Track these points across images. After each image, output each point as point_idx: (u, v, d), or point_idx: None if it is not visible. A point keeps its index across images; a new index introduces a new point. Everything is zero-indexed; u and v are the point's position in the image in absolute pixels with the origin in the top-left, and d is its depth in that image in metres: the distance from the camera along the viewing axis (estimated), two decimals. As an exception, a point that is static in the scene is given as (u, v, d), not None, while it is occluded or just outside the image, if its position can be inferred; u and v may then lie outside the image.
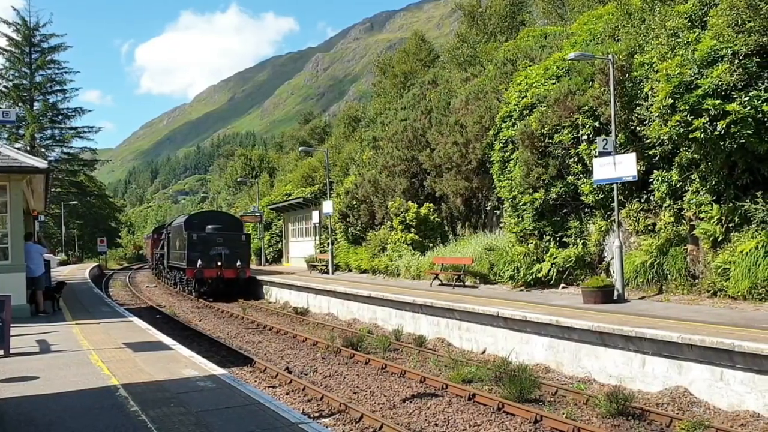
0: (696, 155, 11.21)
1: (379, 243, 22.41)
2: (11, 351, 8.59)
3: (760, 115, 10.17)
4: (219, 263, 22.82)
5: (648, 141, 12.06)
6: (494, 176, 17.16)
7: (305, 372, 10.61)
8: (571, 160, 14.27)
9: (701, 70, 10.78)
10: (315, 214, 27.31)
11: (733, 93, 10.43)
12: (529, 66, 17.63)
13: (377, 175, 24.43)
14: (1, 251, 12.64)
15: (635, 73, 12.63)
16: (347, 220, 26.15)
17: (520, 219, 15.63)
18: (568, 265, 14.24)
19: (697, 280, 11.68)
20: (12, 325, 8.98)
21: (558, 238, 14.86)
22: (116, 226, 64.86)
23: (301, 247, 32.27)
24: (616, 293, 11.90)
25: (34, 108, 48.04)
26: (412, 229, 21.13)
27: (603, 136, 12.41)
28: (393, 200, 22.30)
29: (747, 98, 10.24)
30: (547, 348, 10.44)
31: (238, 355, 12.05)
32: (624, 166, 11.63)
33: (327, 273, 24.60)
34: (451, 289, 16.10)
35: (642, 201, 12.99)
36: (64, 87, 49.43)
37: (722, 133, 10.36)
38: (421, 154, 21.92)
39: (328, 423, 7.63)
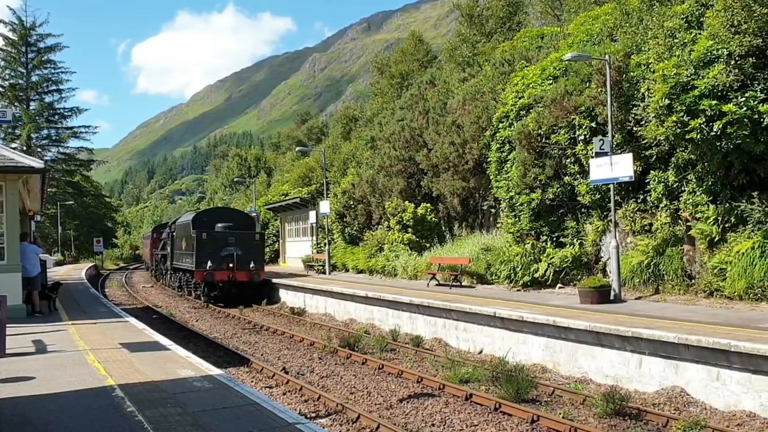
0: (692, 156, 11.25)
1: (376, 243, 22.41)
2: (7, 351, 8.54)
3: (756, 116, 10.20)
4: (231, 265, 20.76)
5: (645, 141, 12.09)
6: (491, 176, 17.19)
7: (302, 372, 10.60)
8: (568, 160, 14.30)
9: (698, 70, 10.81)
10: (312, 214, 27.29)
11: (729, 94, 10.46)
12: (526, 66, 17.67)
13: (374, 175, 24.43)
14: (-3, 251, 12.59)
15: (632, 73, 12.66)
16: (344, 220, 26.14)
17: (517, 219, 15.65)
18: (564, 266, 14.26)
19: (693, 281, 11.71)
20: (8, 325, 8.93)
21: (555, 239, 14.89)
22: (113, 226, 64.66)
23: (298, 248, 32.24)
24: (612, 293, 11.92)
25: (31, 108, 47.84)
26: (409, 229, 21.14)
27: (600, 137, 12.43)
28: (390, 200, 22.31)
29: (743, 99, 10.27)
30: (544, 348, 10.46)
31: (234, 356, 12.03)
32: (621, 167, 11.66)
33: (324, 273, 24.59)
34: (448, 289, 16.10)
35: (638, 201, 13.02)
36: (61, 87, 49.27)
37: (718, 133, 10.39)
38: (418, 154, 21.93)
39: (325, 423, 7.62)
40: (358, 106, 53.11)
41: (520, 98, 16.25)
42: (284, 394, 9.14)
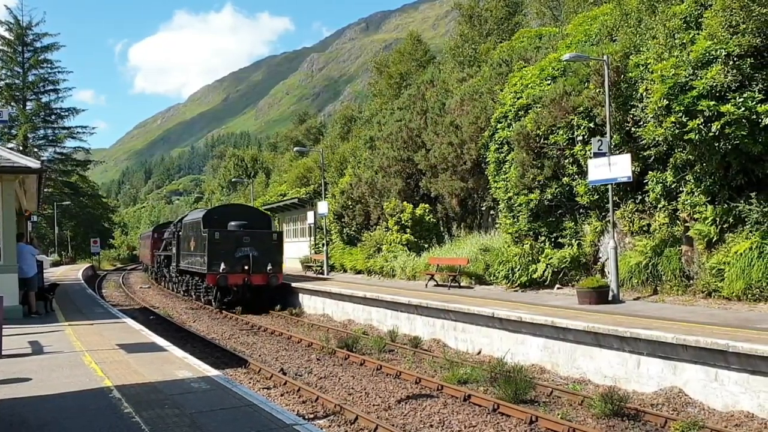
0: (690, 156, 11.25)
1: (374, 244, 22.39)
2: (3, 352, 8.51)
3: (754, 117, 10.21)
4: (246, 267, 18.96)
5: (643, 142, 12.10)
6: (489, 177, 17.18)
7: (300, 373, 10.57)
8: (566, 161, 14.30)
9: (696, 71, 10.82)
10: (310, 215, 27.25)
11: (727, 94, 10.48)
12: (524, 67, 17.66)
13: (373, 175, 24.40)
14: (-6, 252, 12.53)
15: (630, 74, 12.66)
16: (342, 220, 26.12)
17: (515, 220, 15.65)
18: (563, 266, 14.26)
19: (691, 281, 11.71)
20: (4, 326, 8.90)
21: (553, 239, 14.88)
22: (109, 226, 64.53)
23: (296, 248, 32.21)
24: (611, 294, 11.92)
25: (27, 108, 47.74)
26: (408, 230, 21.12)
27: (598, 137, 12.43)
28: (388, 201, 22.29)
29: (741, 99, 10.28)
30: (542, 349, 10.45)
31: (232, 357, 11.99)
32: (619, 167, 11.66)
33: (322, 274, 24.55)
34: (446, 289, 16.09)
35: (637, 202, 13.02)
36: (57, 87, 49.18)
37: (717, 134, 10.40)
38: (416, 155, 21.92)
39: (323, 424, 7.60)
40: (356, 106, 53.09)
41: (518, 99, 16.25)
42: (282, 395, 9.10)
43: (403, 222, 21.21)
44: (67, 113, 50.14)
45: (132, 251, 65.83)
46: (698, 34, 11.35)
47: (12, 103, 46.75)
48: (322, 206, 24.37)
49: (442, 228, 21.55)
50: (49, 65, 48.82)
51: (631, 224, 13.03)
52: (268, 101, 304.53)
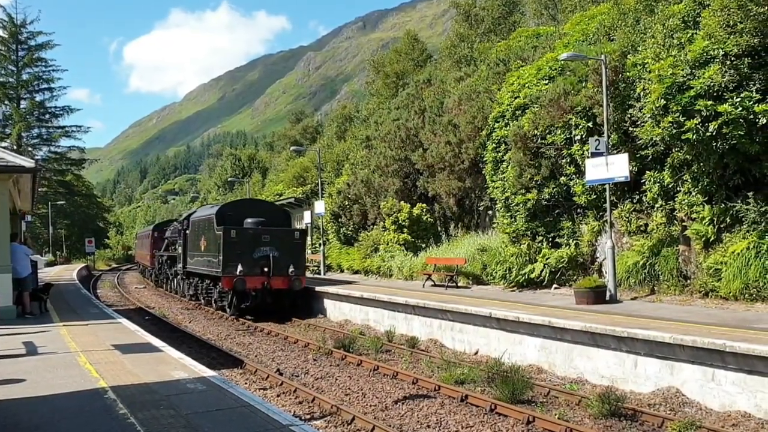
0: (688, 156, 11.25)
1: (371, 243, 22.35)
2: (-3, 353, 8.44)
3: (751, 117, 10.21)
4: (266, 269, 17.03)
5: (640, 142, 12.08)
6: (487, 176, 17.16)
7: (296, 374, 10.52)
8: (564, 160, 14.29)
9: (693, 70, 10.81)
10: (306, 215, 27.18)
11: (725, 94, 10.47)
12: (522, 66, 17.65)
13: (370, 174, 24.36)
14: (-13, 251, 12.43)
15: (628, 73, 12.65)
16: (339, 220, 26.07)
17: (512, 219, 15.63)
18: (560, 266, 14.25)
19: (688, 281, 11.72)
20: (-2, 326, 8.83)
21: (550, 239, 14.87)
22: (104, 226, 64.36)
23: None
24: (608, 294, 11.91)
25: (21, 106, 47.45)
26: (405, 230, 21.08)
27: (595, 137, 12.42)
28: (385, 200, 22.25)
29: (738, 99, 10.27)
30: (539, 349, 10.43)
31: (228, 357, 11.93)
32: (616, 167, 11.65)
33: (319, 274, 24.49)
34: (443, 289, 16.06)
35: (634, 202, 13.02)
36: (52, 85, 48.91)
37: (714, 134, 10.40)
38: (413, 154, 21.89)
39: (320, 425, 7.56)
40: (353, 105, 53.03)
41: (515, 98, 16.23)
42: (278, 395, 9.06)
43: (400, 222, 21.18)
44: (61, 112, 49.89)
45: (127, 251, 65.48)
46: (696, 33, 11.34)
47: (6, 102, 46.50)
48: (319, 206, 24.32)
49: (439, 228, 21.52)
50: (43, 63, 48.57)
51: (628, 224, 13.04)
52: (264, 100, 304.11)
